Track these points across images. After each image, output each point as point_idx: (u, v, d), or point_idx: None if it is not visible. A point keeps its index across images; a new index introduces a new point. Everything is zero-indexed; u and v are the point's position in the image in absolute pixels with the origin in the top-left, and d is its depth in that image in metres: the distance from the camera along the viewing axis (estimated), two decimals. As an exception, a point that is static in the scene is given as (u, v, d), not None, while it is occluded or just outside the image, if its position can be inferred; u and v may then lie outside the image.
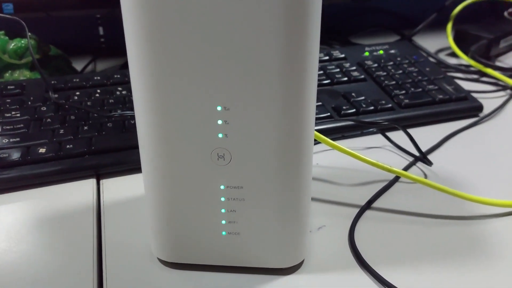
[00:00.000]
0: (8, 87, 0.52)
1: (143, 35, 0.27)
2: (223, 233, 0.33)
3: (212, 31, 0.27)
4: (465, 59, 0.66)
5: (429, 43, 0.72)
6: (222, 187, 0.31)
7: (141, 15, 0.26)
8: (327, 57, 0.60)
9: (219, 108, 0.29)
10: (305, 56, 0.28)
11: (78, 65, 0.65)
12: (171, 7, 0.26)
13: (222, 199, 0.32)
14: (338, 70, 0.58)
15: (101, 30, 0.71)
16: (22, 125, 0.47)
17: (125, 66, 0.66)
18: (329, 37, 0.75)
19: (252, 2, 0.26)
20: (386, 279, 0.33)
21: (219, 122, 0.29)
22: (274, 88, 0.28)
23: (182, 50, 0.27)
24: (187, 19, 0.26)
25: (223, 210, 0.32)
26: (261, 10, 0.26)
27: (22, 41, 0.56)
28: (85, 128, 0.47)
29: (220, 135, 0.29)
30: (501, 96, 0.59)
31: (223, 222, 0.32)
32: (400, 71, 0.58)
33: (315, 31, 0.28)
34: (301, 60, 0.28)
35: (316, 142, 0.44)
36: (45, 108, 0.49)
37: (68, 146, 0.44)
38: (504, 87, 0.61)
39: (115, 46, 0.71)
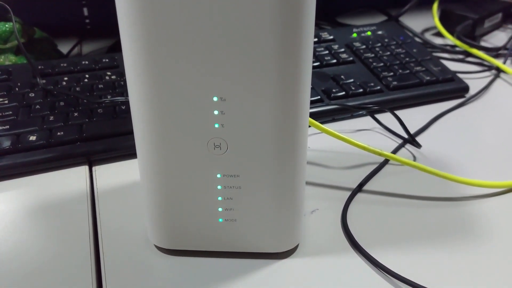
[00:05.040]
0: (-6, 72, 0.51)
1: (138, 24, 0.27)
2: (220, 220, 0.33)
3: (208, 21, 0.26)
4: (450, 39, 0.67)
5: (415, 23, 0.73)
6: (218, 175, 0.31)
7: (136, 4, 0.26)
8: (316, 39, 0.60)
9: (215, 98, 0.29)
10: (300, 46, 0.28)
11: (64, 48, 0.64)
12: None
13: (219, 187, 0.32)
14: (327, 52, 0.58)
15: (85, 11, 0.69)
16: (10, 112, 0.46)
17: (112, 48, 0.65)
18: (316, 17, 0.75)
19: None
20: (379, 260, 0.34)
21: (216, 112, 0.29)
22: (270, 78, 0.28)
23: (178, 40, 0.27)
24: (183, 8, 0.26)
25: (219, 198, 0.32)
26: (256, 1, 0.26)
27: (7, 25, 0.54)
28: (75, 114, 0.46)
29: (216, 125, 0.30)
30: (487, 76, 0.60)
31: (220, 209, 0.33)
32: (388, 53, 0.59)
33: (310, 20, 0.28)
34: (297, 50, 0.28)
35: (307, 126, 0.45)
36: (33, 94, 0.49)
37: (58, 133, 0.44)
38: (489, 67, 0.62)
39: (101, 27, 0.70)
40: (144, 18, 0.27)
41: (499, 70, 0.61)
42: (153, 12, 0.26)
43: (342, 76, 0.54)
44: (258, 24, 0.27)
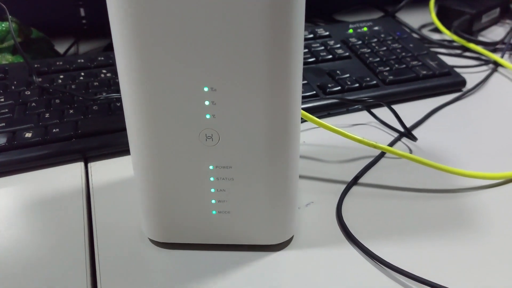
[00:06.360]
0: (-9, 71, 0.51)
1: (128, 17, 0.27)
2: (213, 212, 0.33)
3: (198, 12, 0.26)
4: (448, 35, 0.67)
5: (412, 19, 0.73)
6: (211, 167, 0.31)
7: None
8: (311, 35, 0.60)
9: (206, 89, 0.29)
10: (291, 36, 0.28)
11: (60, 48, 0.64)
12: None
13: (212, 179, 0.32)
14: (322, 48, 0.58)
15: (82, 12, 0.70)
16: (6, 110, 0.46)
17: (108, 47, 0.65)
18: (313, 15, 0.75)
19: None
20: (374, 252, 0.34)
21: (207, 103, 0.29)
22: (261, 68, 0.28)
23: (168, 31, 0.27)
24: (173, 1, 0.26)
25: (212, 190, 0.32)
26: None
27: (3, 25, 0.55)
28: (71, 111, 0.46)
29: (207, 116, 0.30)
30: (484, 70, 0.60)
31: (213, 201, 0.33)
32: (384, 48, 0.59)
33: (300, 10, 0.28)
34: (287, 40, 0.28)
35: (303, 120, 0.45)
36: (29, 92, 0.49)
37: (54, 130, 0.44)
38: (487, 62, 0.61)
39: (97, 27, 0.70)
40: (134, 9, 0.27)
41: (496, 64, 0.61)
42: (143, 2, 0.26)
43: (338, 72, 0.54)
44: (248, 13, 0.26)
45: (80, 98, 0.48)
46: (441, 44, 0.65)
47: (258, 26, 0.27)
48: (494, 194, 0.40)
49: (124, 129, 0.45)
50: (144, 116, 0.30)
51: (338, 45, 0.59)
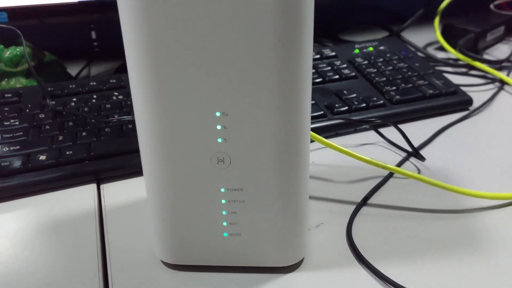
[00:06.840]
0: (5, 95, 0.52)
1: (142, 43, 0.28)
2: (225, 234, 0.34)
3: (209, 38, 0.27)
4: (453, 53, 0.67)
5: (417, 38, 0.74)
6: (222, 189, 0.32)
7: (139, 23, 0.27)
8: (318, 56, 0.61)
9: (217, 113, 0.30)
10: (300, 60, 0.29)
11: (73, 70, 0.65)
12: (168, 16, 0.27)
13: (223, 201, 0.32)
14: (329, 68, 0.59)
15: (94, 35, 0.71)
16: (21, 133, 0.47)
17: (119, 69, 0.67)
18: (318, 35, 0.76)
19: (247, 10, 0.27)
20: (385, 273, 0.34)
21: (218, 127, 0.30)
22: (271, 93, 0.29)
23: (180, 58, 0.28)
24: (185, 27, 0.27)
25: (224, 212, 0.33)
26: (256, 17, 0.27)
27: (17, 49, 0.56)
28: (84, 134, 0.47)
29: (219, 140, 0.30)
30: (490, 89, 0.60)
31: (224, 223, 0.33)
32: (390, 67, 0.59)
33: (308, 35, 0.29)
34: (297, 64, 0.29)
35: (311, 140, 0.45)
36: (43, 115, 0.50)
37: (67, 153, 0.45)
38: (493, 80, 0.62)
39: (109, 50, 0.72)
40: (148, 38, 0.27)
41: (502, 83, 0.61)
42: (156, 32, 0.27)
43: (344, 92, 0.54)
44: (258, 41, 0.27)
45: (93, 120, 0.49)
46: (447, 62, 0.66)
47: (268, 52, 0.28)
48: (503, 214, 0.40)
49: (136, 151, 0.46)
50: (157, 140, 0.31)
51: (345, 65, 0.59)
